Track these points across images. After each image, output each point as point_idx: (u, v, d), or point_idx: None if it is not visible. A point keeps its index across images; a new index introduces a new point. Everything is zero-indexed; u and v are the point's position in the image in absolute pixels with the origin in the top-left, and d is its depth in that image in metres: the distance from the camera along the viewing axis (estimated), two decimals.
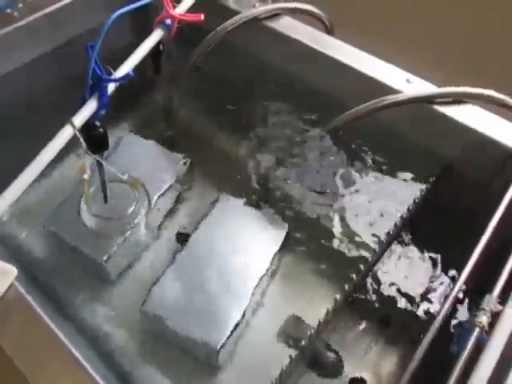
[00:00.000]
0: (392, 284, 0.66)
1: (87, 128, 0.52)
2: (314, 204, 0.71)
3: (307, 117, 0.76)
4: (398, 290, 0.65)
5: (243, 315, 0.57)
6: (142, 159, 0.71)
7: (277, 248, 0.63)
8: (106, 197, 0.62)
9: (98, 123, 0.53)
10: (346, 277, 0.61)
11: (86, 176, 0.54)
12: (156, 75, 0.65)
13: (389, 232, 0.64)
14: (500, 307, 0.44)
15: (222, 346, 0.55)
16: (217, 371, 0.59)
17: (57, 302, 0.63)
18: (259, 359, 0.60)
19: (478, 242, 0.51)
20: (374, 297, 0.65)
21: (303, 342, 0.57)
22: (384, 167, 0.72)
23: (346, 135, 0.72)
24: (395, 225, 0.65)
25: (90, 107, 0.51)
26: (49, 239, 0.65)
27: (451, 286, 0.49)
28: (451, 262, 0.67)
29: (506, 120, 0.61)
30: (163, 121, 0.84)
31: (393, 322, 0.64)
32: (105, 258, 0.61)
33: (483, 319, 0.43)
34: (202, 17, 0.60)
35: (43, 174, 0.50)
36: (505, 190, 0.55)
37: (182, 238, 0.70)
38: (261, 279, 0.60)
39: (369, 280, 0.66)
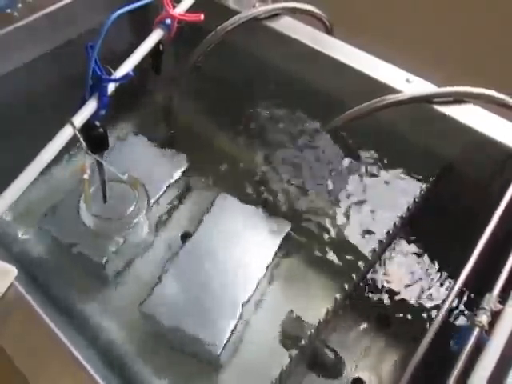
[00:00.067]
0: (392, 284, 0.66)
1: (87, 128, 0.52)
2: (314, 204, 0.71)
3: (307, 117, 0.76)
4: (398, 290, 0.65)
5: (243, 315, 0.57)
6: (142, 159, 0.71)
7: (276, 248, 0.63)
8: (105, 197, 0.62)
9: (97, 123, 0.53)
10: (345, 277, 0.61)
11: (85, 176, 0.54)
12: (156, 75, 0.65)
13: (388, 232, 0.64)
14: (500, 306, 0.44)
15: (221, 347, 0.55)
16: (217, 371, 0.59)
17: (57, 302, 0.63)
18: (259, 359, 0.60)
19: (477, 242, 0.51)
20: (373, 297, 0.65)
21: (303, 342, 0.57)
22: (384, 167, 0.72)
23: (346, 135, 0.72)
24: (395, 224, 0.65)
25: (90, 107, 0.51)
26: (49, 239, 0.65)
27: (451, 285, 0.49)
28: (451, 261, 0.67)
29: (506, 120, 0.61)
30: (163, 121, 0.84)
31: (393, 321, 0.64)
32: (104, 258, 0.61)
33: (483, 318, 0.43)
34: (202, 17, 0.60)
35: (43, 174, 0.50)
36: (505, 190, 0.55)
37: (184, 238, 0.70)
38: (261, 279, 0.60)
39: (369, 280, 0.66)
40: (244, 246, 0.63)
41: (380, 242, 0.65)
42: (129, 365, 0.59)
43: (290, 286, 0.66)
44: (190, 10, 0.63)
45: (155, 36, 0.59)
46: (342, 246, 0.68)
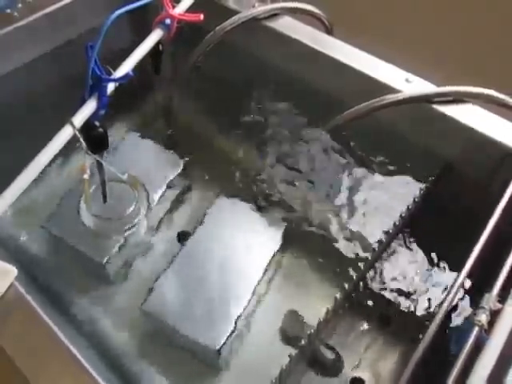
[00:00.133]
0: (392, 283, 0.66)
1: (87, 128, 0.52)
2: (314, 203, 0.71)
3: (307, 117, 0.76)
4: (398, 290, 0.65)
5: (243, 315, 0.57)
6: (142, 159, 0.71)
7: (276, 247, 0.63)
8: (105, 197, 0.62)
9: (97, 123, 0.53)
10: (345, 276, 0.61)
11: (85, 176, 0.55)
12: (156, 75, 0.65)
13: (388, 231, 0.64)
14: (499, 306, 0.44)
15: (221, 346, 0.55)
16: (217, 371, 0.59)
17: (57, 302, 0.63)
18: (259, 358, 0.60)
19: (477, 241, 0.51)
20: (373, 296, 0.65)
21: (303, 342, 0.57)
22: (384, 167, 0.72)
23: (346, 135, 0.72)
24: (395, 224, 0.65)
25: (90, 107, 0.52)
26: (49, 239, 0.65)
27: (450, 285, 0.49)
28: (451, 261, 0.67)
29: (505, 120, 0.61)
30: (163, 121, 0.84)
31: (392, 321, 0.64)
32: (105, 258, 0.61)
33: (482, 318, 0.43)
34: (202, 17, 0.60)
35: (43, 174, 0.50)
36: (504, 189, 0.55)
37: (183, 238, 0.70)
38: (260, 278, 0.60)
39: (368, 279, 0.66)
40: (243, 245, 0.63)
41: (380, 241, 0.65)
42: (129, 365, 0.59)
43: (290, 285, 0.66)
44: (190, 9, 0.63)
45: (155, 36, 0.59)
46: (342, 245, 0.68)
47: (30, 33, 0.71)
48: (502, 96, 0.61)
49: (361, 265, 0.63)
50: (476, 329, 0.43)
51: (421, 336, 0.46)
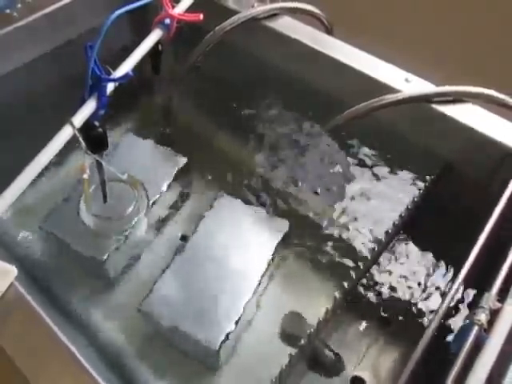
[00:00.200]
0: (391, 283, 0.66)
1: (86, 128, 0.52)
2: (314, 203, 0.71)
3: (307, 116, 0.76)
4: (397, 289, 0.65)
5: (242, 314, 0.57)
6: (142, 159, 0.71)
7: (276, 247, 0.63)
8: (105, 196, 0.62)
9: (97, 123, 0.53)
10: (345, 276, 0.62)
11: (85, 176, 0.55)
12: (155, 75, 0.65)
13: (388, 231, 0.64)
14: (499, 305, 0.44)
15: (221, 346, 0.55)
16: (216, 370, 0.59)
17: (57, 302, 0.63)
18: (259, 358, 0.59)
19: (476, 241, 0.51)
20: (373, 296, 0.65)
21: (303, 341, 0.57)
22: (383, 167, 0.72)
23: (346, 135, 0.72)
24: (394, 224, 0.65)
25: (90, 107, 0.52)
26: (49, 239, 0.65)
27: (450, 284, 0.49)
28: (451, 261, 0.67)
29: (506, 120, 0.61)
30: (162, 121, 0.84)
31: (392, 320, 0.64)
32: (104, 258, 0.61)
33: (482, 317, 0.43)
34: (201, 17, 0.61)
35: (43, 174, 0.50)
36: (504, 189, 0.55)
37: (183, 237, 0.70)
38: (260, 278, 0.60)
39: (368, 279, 0.66)
40: (243, 245, 0.63)
41: (379, 241, 0.65)
42: (129, 364, 0.59)
43: (290, 285, 0.66)
44: (189, 9, 0.63)
45: (154, 36, 0.59)
46: (342, 245, 0.68)
47: (30, 33, 0.72)
48: (501, 96, 0.61)
49: (360, 264, 0.63)
50: (476, 328, 0.43)
51: (420, 335, 0.46)
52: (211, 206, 0.67)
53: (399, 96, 0.63)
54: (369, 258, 0.64)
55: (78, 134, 0.51)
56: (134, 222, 0.63)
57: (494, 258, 0.49)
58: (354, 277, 0.61)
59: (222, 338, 0.55)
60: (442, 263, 0.68)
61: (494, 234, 0.51)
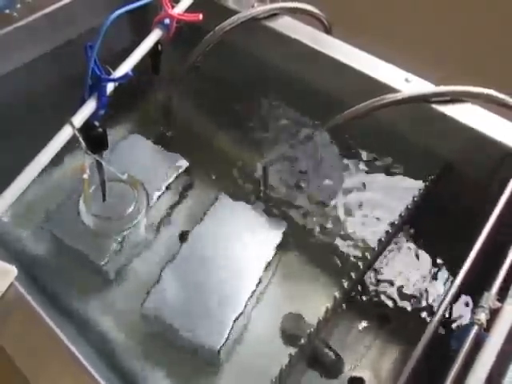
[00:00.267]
0: (391, 283, 0.66)
1: (86, 128, 0.52)
2: (313, 203, 0.71)
3: (307, 117, 0.76)
4: (397, 289, 0.65)
5: (242, 314, 0.57)
6: (142, 159, 0.71)
7: (275, 247, 0.63)
8: (104, 196, 0.62)
9: (97, 123, 0.53)
10: (345, 275, 0.61)
11: (85, 176, 0.55)
12: (155, 75, 0.65)
13: (388, 231, 0.64)
14: (498, 304, 0.44)
15: (221, 346, 0.55)
16: (217, 370, 0.59)
17: (57, 302, 0.63)
18: (259, 358, 0.59)
19: (476, 241, 0.51)
20: (373, 295, 0.65)
21: (303, 341, 0.57)
22: (383, 166, 0.72)
23: (346, 135, 0.72)
24: (394, 224, 0.65)
25: (90, 107, 0.52)
26: (49, 239, 0.65)
27: (450, 284, 0.49)
28: (451, 261, 0.67)
29: (506, 120, 0.61)
30: (162, 121, 0.84)
31: (392, 320, 0.64)
32: (104, 257, 0.61)
33: (482, 316, 0.43)
34: (201, 17, 0.61)
35: (43, 174, 0.50)
36: (503, 189, 0.55)
37: (183, 238, 0.70)
38: (260, 278, 0.60)
39: (368, 279, 0.66)
40: (243, 245, 0.63)
41: (379, 240, 0.65)
42: (129, 364, 0.59)
43: (290, 284, 0.66)
44: (189, 9, 0.63)
45: (154, 36, 0.59)
46: (341, 244, 0.68)
47: (30, 33, 0.72)
48: (501, 96, 0.61)
49: (360, 264, 0.63)
50: (475, 327, 0.43)
51: (420, 335, 0.46)
52: (211, 206, 0.67)
53: (399, 96, 0.63)
54: (368, 257, 0.64)
55: (77, 134, 0.51)
56: (133, 222, 0.63)
57: (494, 258, 0.49)
58: (353, 276, 0.61)
59: (222, 338, 0.55)
60: (442, 263, 0.68)
61: (493, 233, 0.51)
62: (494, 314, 0.44)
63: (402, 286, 0.66)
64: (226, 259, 0.62)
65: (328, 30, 0.76)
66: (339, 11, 0.76)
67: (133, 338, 0.61)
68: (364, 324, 0.63)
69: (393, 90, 0.64)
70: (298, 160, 0.74)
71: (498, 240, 0.51)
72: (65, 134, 0.50)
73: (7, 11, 0.71)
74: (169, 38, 0.61)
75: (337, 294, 0.59)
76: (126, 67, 0.55)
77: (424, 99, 0.63)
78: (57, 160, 0.72)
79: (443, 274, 0.67)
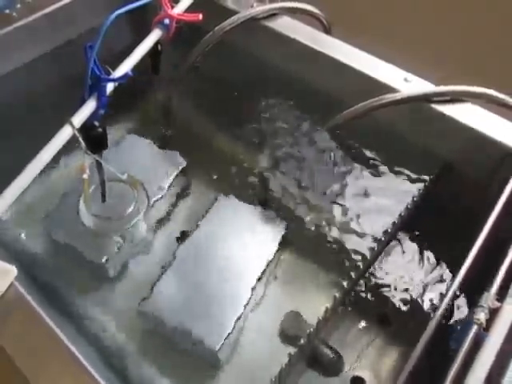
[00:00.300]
0: (391, 282, 0.66)
1: (86, 128, 0.52)
2: (313, 203, 0.71)
3: (307, 116, 0.76)
4: (397, 289, 0.65)
5: (242, 314, 0.57)
6: (141, 159, 0.71)
7: (275, 247, 0.63)
8: (104, 196, 0.62)
9: (96, 123, 0.53)
10: (345, 275, 0.62)
11: (85, 176, 0.55)
12: (154, 75, 0.65)
13: (387, 231, 0.64)
14: (498, 304, 0.44)
15: (221, 346, 0.55)
16: (216, 370, 0.59)
17: (57, 301, 0.63)
18: (259, 358, 0.59)
19: (475, 241, 0.51)
20: (372, 295, 0.65)
21: (302, 341, 0.57)
22: (383, 166, 0.72)
23: (346, 135, 0.72)
24: (394, 223, 0.65)
25: (89, 107, 0.52)
26: (48, 239, 0.65)
27: (449, 283, 0.49)
28: (450, 261, 0.67)
29: (506, 120, 0.61)
30: (162, 121, 0.84)
31: (392, 320, 0.64)
32: (104, 257, 0.61)
33: (481, 316, 0.43)
34: (200, 17, 0.61)
35: (43, 174, 0.50)
36: (502, 188, 0.55)
37: (182, 238, 0.70)
38: (260, 278, 0.60)
39: (368, 278, 0.66)
40: (243, 245, 0.63)
41: (379, 240, 0.65)
42: (129, 364, 0.59)
43: (289, 284, 0.66)
44: (189, 9, 0.63)
45: (154, 36, 0.59)
46: (341, 244, 0.68)
47: (30, 33, 0.72)
48: (501, 96, 0.61)
49: (360, 264, 0.63)
50: (475, 327, 0.43)
51: (420, 335, 0.46)
52: (211, 206, 0.67)
53: (398, 96, 0.63)
54: (368, 257, 0.64)
55: (77, 134, 0.51)
56: (133, 222, 0.63)
57: (494, 258, 0.49)
58: (353, 276, 0.61)
59: (222, 337, 0.55)
60: (442, 263, 0.68)
61: (493, 233, 0.51)
62: (493, 313, 0.44)
63: (401, 286, 0.65)
64: (226, 259, 0.62)
65: (327, 30, 0.76)
66: (339, 11, 0.76)
67: (133, 338, 0.61)
68: (363, 324, 0.63)
69: (392, 90, 0.64)
70: (298, 160, 0.74)
71: (497, 240, 0.51)
72: (65, 133, 0.50)
73: (7, 11, 0.71)
74: (168, 38, 0.61)
75: (337, 293, 0.59)
76: (125, 67, 0.55)
77: (423, 99, 0.63)
78: (57, 160, 0.73)
79: (443, 273, 0.67)
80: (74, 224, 0.62)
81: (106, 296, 0.65)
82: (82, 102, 0.52)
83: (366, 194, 0.70)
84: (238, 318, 0.57)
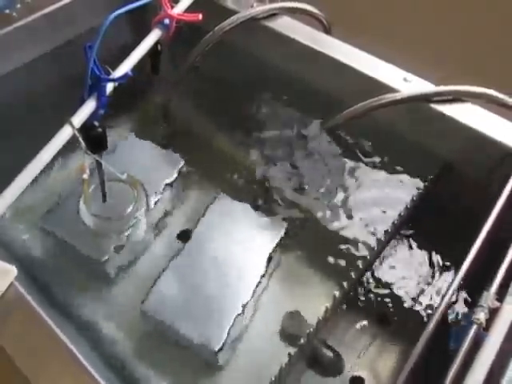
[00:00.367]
0: (390, 282, 0.66)
1: (86, 128, 0.52)
2: (313, 203, 0.71)
3: (306, 116, 0.76)
4: (397, 289, 0.66)
5: (242, 314, 0.57)
6: (141, 159, 0.71)
7: (275, 247, 0.63)
8: (104, 196, 0.62)
9: (96, 123, 0.53)
10: (344, 275, 0.62)
11: (85, 176, 0.55)
12: (154, 75, 0.65)
13: (387, 230, 0.64)
14: (497, 304, 0.44)
15: (221, 346, 0.55)
16: (216, 370, 0.59)
17: (57, 301, 0.63)
18: (258, 357, 0.60)
19: (475, 241, 0.51)
20: (372, 295, 0.65)
21: (302, 340, 0.57)
22: (382, 166, 0.72)
23: (345, 135, 0.72)
24: (393, 223, 0.65)
25: (89, 107, 0.52)
26: (48, 239, 0.65)
27: (449, 283, 0.49)
28: (450, 261, 0.67)
29: (506, 120, 0.61)
30: (161, 121, 0.84)
31: (392, 320, 0.64)
32: (104, 257, 0.61)
33: (481, 316, 0.43)
34: (200, 17, 0.61)
35: (43, 174, 0.50)
36: (502, 188, 0.55)
37: (182, 237, 0.70)
38: (260, 278, 0.60)
39: (367, 278, 0.66)
40: (242, 245, 0.63)
41: (379, 240, 0.65)
42: (129, 364, 0.59)
43: (289, 284, 0.66)
44: (188, 9, 0.63)
45: (153, 36, 0.59)
46: (341, 244, 0.68)
47: (30, 33, 0.72)
48: (501, 96, 0.61)
49: (360, 264, 0.63)
50: (474, 327, 0.43)
51: (420, 335, 0.46)
52: (210, 206, 0.67)
53: (398, 96, 0.63)
54: (368, 257, 0.64)
55: (77, 134, 0.51)
56: (133, 222, 0.63)
57: (493, 257, 0.49)
58: (353, 276, 0.61)
59: (222, 337, 0.55)
60: (442, 263, 0.68)
61: (492, 233, 0.51)
62: (493, 313, 0.44)
63: (401, 286, 0.66)
64: (226, 259, 0.62)
65: (327, 30, 0.76)
66: (339, 11, 0.76)
67: (133, 338, 0.61)
68: (364, 323, 0.63)
69: (392, 90, 0.64)
70: (298, 160, 0.74)
71: (497, 239, 0.51)
72: (64, 133, 0.50)
73: (7, 11, 0.71)
74: (168, 38, 0.61)
75: (336, 293, 0.59)
76: (125, 67, 0.55)
77: (423, 99, 0.63)
78: (57, 160, 0.73)
79: (443, 273, 0.67)
80: (74, 224, 0.62)
81: (106, 296, 0.65)
82: (81, 102, 0.52)
83: (365, 194, 0.70)
84: (238, 318, 0.57)
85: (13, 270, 0.49)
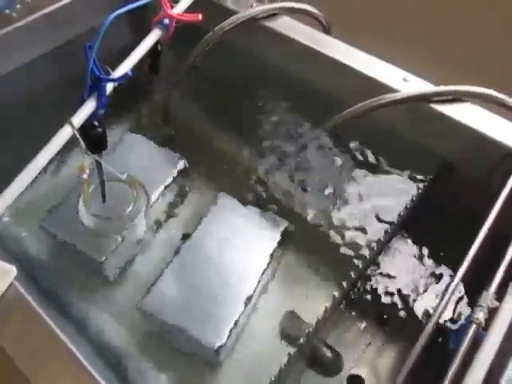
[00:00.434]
0: (390, 282, 0.66)
1: (86, 128, 0.52)
2: (313, 203, 0.71)
3: (306, 116, 0.76)
4: (396, 289, 0.65)
5: (242, 314, 0.57)
6: (141, 159, 0.71)
7: (275, 246, 0.63)
8: (104, 196, 0.62)
9: (96, 123, 0.53)
10: (344, 275, 0.62)
11: (85, 176, 0.55)
12: (154, 75, 0.65)
13: (387, 230, 0.65)
14: (497, 303, 0.44)
15: (220, 346, 0.55)
16: (216, 370, 0.59)
17: (57, 301, 0.63)
18: (258, 357, 0.60)
19: (475, 240, 0.51)
20: (372, 295, 0.65)
21: (301, 340, 0.57)
22: (382, 166, 0.72)
23: (345, 135, 0.72)
24: (393, 223, 0.65)
25: (89, 107, 0.52)
26: (48, 239, 0.65)
27: (448, 283, 0.49)
28: (450, 261, 0.67)
29: (505, 120, 0.61)
30: (161, 121, 0.84)
31: (391, 319, 0.64)
32: (104, 257, 0.61)
33: (480, 315, 0.43)
34: (200, 17, 0.61)
35: (43, 174, 0.50)
36: (502, 188, 0.55)
37: (182, 237, 0.70)
38: (260, 278, 0.60)
39: (367, 278, 0.66)
40: (243, 245, 0.63)
41: (378, 240, 0.65)
42: (129, 364, 0.59)
43: (289, 284, 0.66)
44: (188, 10, 0.63)
45: (153, 36, 0.59)
46: (340, 244, 0.68)
47: (30, 33, 0.72)
48: (501, 96, 0.61)
49: (359, 264, 0.63)
50: (474, 326, 0.43)
51: (419, 335, 0.46)
52: (211, 206, 0.67)
53: (398, 96, 0.63)
54: (368, 257, 0.64)
55: (77, 134, 0.51)
56: (133, 222, 0.63)
57: (493, 257, 0.49)
58: (352, 276, 0.61)
59: (222, 337, 0.55)
60: (441, 263, 0.68)
61: (492, 233, 0.51)
62: (492, 313, 0.44)
63: (400, 286, 0.66)
64: (226, 259, 0.62)
65: (327, 30, 0.76)
66: (338, 11, 0.76)
67: (133, 338, 0.61)
68: (363, 323, 0.63)
69: (392, 90, 0.64)
70: (298, 160, 0.74)
71: (496, 239, 0.51)
72: (64, 133, 0.50)
73: (7, 11, 0.71)
74: (168, 38, 0.61)
75: (336, 293, 0.59)
76: (125, 67, 0.55)
77: (423, 99, 0.63)
78: (57, 159, 0.73)
79: (442, 273, 0.67)
80: (74, 224, 0.62)
81: (106, 296, 0.65)
82: (81, 102, 0.52)
83: (365, 194, 0.70)
84: (238, 318, 0.57)
85: (13, 270, 0.49)
